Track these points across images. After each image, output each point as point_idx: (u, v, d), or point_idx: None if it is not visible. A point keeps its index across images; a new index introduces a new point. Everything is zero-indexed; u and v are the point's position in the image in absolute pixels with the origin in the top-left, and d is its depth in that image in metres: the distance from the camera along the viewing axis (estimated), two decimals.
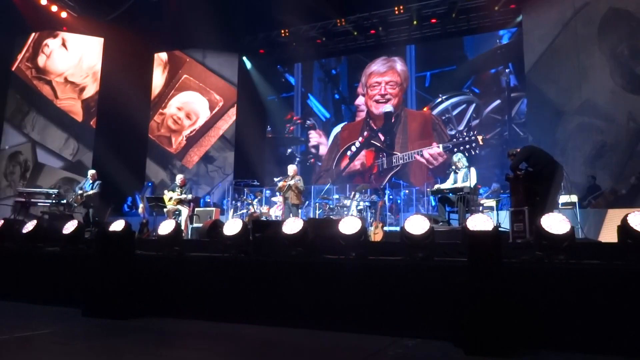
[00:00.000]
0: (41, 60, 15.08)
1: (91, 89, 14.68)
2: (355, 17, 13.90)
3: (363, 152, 14.70)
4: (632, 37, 10.41)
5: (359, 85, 15.10)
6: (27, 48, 15.23)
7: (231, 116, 15.03)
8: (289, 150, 16.01)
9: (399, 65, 14.59)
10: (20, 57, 15.24)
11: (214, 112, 15.19)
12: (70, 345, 3.73)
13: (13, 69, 15.23)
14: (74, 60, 14.94)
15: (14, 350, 3.49)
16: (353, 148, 14.91)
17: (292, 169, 9.85)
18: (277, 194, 10.18)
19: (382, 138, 14.50)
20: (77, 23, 14.17)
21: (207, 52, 15.30)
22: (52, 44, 15.08)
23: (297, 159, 15.58)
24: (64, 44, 15.00)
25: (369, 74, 14.92)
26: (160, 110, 15.58)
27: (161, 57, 15.85)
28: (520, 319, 3.57)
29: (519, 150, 6.78)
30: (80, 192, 9.97)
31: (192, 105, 15.38)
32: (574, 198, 8.94)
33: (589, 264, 3.94)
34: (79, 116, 14.52)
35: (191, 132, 15.22)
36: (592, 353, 3.47)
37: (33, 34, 15.17)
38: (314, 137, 15.66)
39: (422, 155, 13.71)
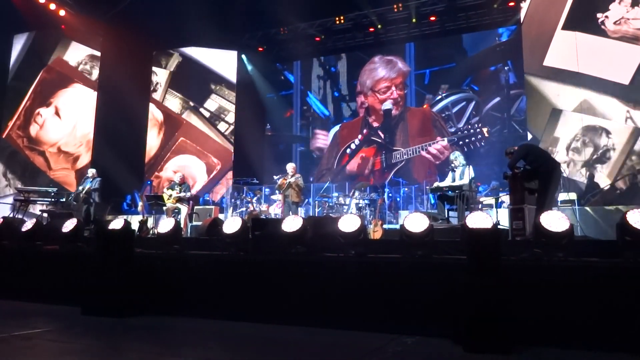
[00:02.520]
0: (33, 129, 14.63)
1: (85, 158, 14.16)
2: (354, 14, 13.88)
3: (364, 150, 14.69)
4: None
5: (357, 84, 15.06)
6: (19, 115, 14.81)
7: (229, 179, 14.56)
8: (301, 149, 15.82)
9: (402, 65, 14.55)
10: (10, 124, 14.78)
11: (211, 175, 14.79)
12: (69, 344, 3.74)
13: (3, 135, 14.82)
14: (68, 129, 14.46)
15: (13, 349, 3.49)
16: (352, 146, 14.90)
17: (291, 166, 9.86)
18: (277, 192, 10.18)
19: (382, 135, 14.50)
20: (76, 21, 14.14)
21: (205, 50, 15.26)
22: (45, 113, 14.60)
23: (303, 160, 15.52)
24: (57, 113, 14.58)
25: (378, 79, 14.77)
26: (157, 173, 15.13)
27: (157, 117, 15.33)
28: (519, 316, 3.58)
29: (516, 148, 6.79)
30: (80, 188, 9.99)
31: (189, 169, 14.74)
32: (572, 196, 8.96)
33: (588, 262, 3.95)
34: (72, 187, 13.85)
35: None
36: (591, 350, 3.48)
37: (24, 102, 14.72)
38: (321, 138, 15.55)
39: (427, 151, 13.69)
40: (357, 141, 14.84)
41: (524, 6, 11.80)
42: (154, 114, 15.43)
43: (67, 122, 14.49)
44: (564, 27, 11.02)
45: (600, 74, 10.47)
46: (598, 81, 10.48)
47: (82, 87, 14.72)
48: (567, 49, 10.89)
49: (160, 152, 15.13)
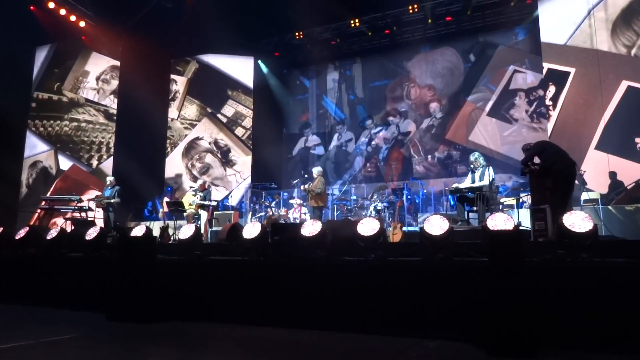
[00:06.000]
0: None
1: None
2: (369, 17, 13.87)
3: (387, 152, 14.61)
4: None
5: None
6: (34, 223, 13.99)
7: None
8: (318, 152, 15.86)
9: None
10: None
11: None
12: (95, 350, 3.80)
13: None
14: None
15: (40, 355, 3.56)
16: (369, 149, 14.87)
17: (315, 171, 9.78)
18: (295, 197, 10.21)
19: (402, 137, 14.43)
20: (96, 32, 14.44)
21: (222, 56, 15.41)
22: (60, 223, 13.84)
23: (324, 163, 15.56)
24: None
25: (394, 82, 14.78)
26: None
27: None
28: (542, 319, 3.53)
29: (532, 144, 6.70)
30: (99, 199, 10.18)
31: None
32: (595, 195, 8.78)
33: (613, 262, 3.87)
34: None
35: None
36: (616, 353, 3.41)
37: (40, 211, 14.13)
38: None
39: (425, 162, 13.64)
40: (374, 143, 14.79)
41: (553, 114, 10.90)
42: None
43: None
44: (597, 147, 10.19)
45: None
46: None
47: (98, 193, 14.40)
48: (600, 171, 10.02)
49: None
